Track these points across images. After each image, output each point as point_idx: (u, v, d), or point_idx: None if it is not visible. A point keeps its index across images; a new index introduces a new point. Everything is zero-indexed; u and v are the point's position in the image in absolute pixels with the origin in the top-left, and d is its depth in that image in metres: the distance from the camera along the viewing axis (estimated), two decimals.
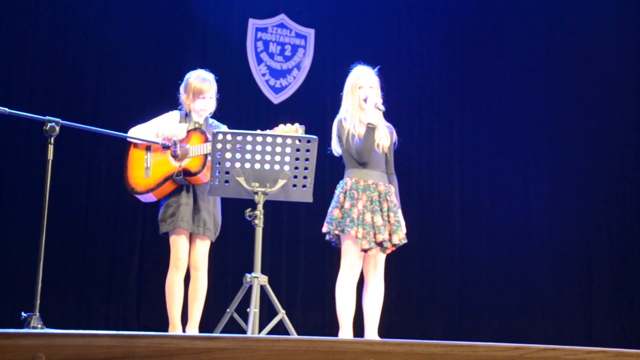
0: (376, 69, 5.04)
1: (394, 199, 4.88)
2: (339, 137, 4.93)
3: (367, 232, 4.73)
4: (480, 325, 7.92)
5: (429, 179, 8.15)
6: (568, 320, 7.99)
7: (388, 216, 4.81)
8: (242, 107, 7.65)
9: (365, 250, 4.75)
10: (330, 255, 7.45)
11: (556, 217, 8.13)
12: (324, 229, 4.87)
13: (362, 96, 4.90)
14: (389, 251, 4.83)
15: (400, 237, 4.81)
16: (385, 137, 4.92)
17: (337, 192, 4.89)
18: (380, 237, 4.73)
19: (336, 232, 4.80)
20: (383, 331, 5.00)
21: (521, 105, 8.30)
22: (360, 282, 4.90)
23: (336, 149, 4.98)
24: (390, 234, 4.79)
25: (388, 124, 5.04)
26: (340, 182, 4.91)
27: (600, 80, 8.32)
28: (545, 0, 8.41)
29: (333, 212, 4.84)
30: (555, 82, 8.34)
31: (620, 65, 8.33)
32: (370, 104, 4.86)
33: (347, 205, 4.79)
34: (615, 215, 8.16)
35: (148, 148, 5.01)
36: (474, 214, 8.15)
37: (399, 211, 4.89)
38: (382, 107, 4.86)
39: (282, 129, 4.68)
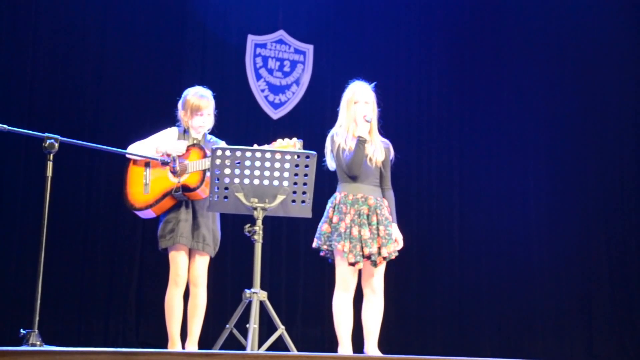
0: (372, 85, 5.06)
1: (386, 212, 4.88)
2: (332, 152, 4.95)
3: (354, 245, 4.74)
4: (481, 340, 7.90)
5: (428, 191, 8.15)
6: (568, 335, 7.96)
7: (378, 229, 4.81)
8: (241, 123, 7.66)
9: (352, 264, 4.75)
10: (330, 271, 7.38)
11: (555, 231, 8.13)
12: (314, 244, 4.90)
13: (357, 111, 4.93)
14: (379, 264, 4.82)
15: (389, 250, 4.80)
16: (379, 151, 4.93)
17: (327, 206, 4.91)
18: (367, 251, 4.74)
19: (325, 246, 4.82)
20: (383, 346, 4.99)
21: (520, 116, 8.31)
22: (360, 297, 4.90)
23: (330, 163, 4.99)
24: (380, 247, 4.79)
25: (384, 140, 5.05)
26: (331, 197, 4.93)
27: (599, 88, 8.32)
28: (542, 9, 8.42)
29: (322, 226, 4.87)
30: (554, 91, 8.34)
31: (620, 72, 8.32)
32: (359, 116, 4.89)
33: (335, 219, 4.81)
34: (614, 230, 8.15)
35: (147, 164, 5.02)
36: (473, 228, 8.14)
37: (393, 225, 4.88)
38: (368, 119, 4.88)
39: (280, 144, 4.70)
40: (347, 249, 4.73)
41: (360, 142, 4.83)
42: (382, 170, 4.96)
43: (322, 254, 4.90)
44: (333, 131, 5.00)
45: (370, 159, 4.89)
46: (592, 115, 8.31)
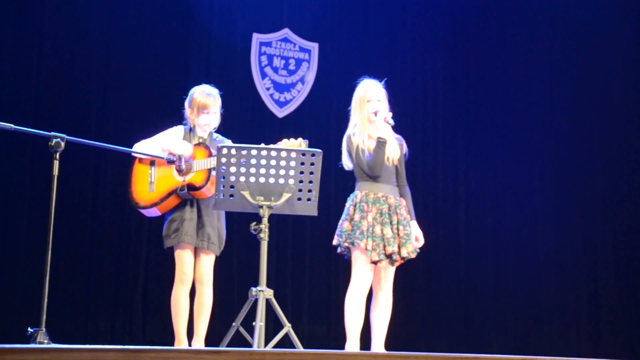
0: (383, 82, 5.05)
1: (404, 212, 4.87)
2: (349, 152, 4.93)
3: (377, 244, 4.73)
4: (487, 337, 7.90)
5: (434, 189, 8.15)
6: (575, 332, 7.96)
7: (397, 229, 4.80)
8: (246, 121, 7.66)
9: (374, 262, 4.75)
10: (336, 268, 7.45)
11: (562, 228, 8.12)
12: (334, 242, 4.87)
13: (371, 110, 4.91)
14: (397, 264, 4.83)
15: (408, 250, 4.80)
16: (395, 149, 4.93)
17: (347, 205, 4.89)
18: (389, 249, 4.73)
19: (346, 244, 4.80)
20: (389, 343, 4.99)
21: (525, 113, 8.30)
22: (368, 295, 4.89)
23: (347, 163, 4.98)
24: (399, 247, 4.78)
25: (397, 136, 5.04)
26: (351, 195, 4.91)
27: (604, 86, 8.31)
28: (547, 8, 8.41)
29: (343, 224, 4.84)
30: (559, 90, 8.33)
31: (624, 69, 8.31)
32: (380, 117, 4.87)
33: (356, 217, 4.79)
34: (621, 226, 8.13)
35: (152, 163, 5.03)
36: (479, 225, 8.13)
37: (411, 224, 4.88)
38: (392, 122, 4.87)
39: (286, 144, 4.69)
40: (370, 247, 4.71)
41: (381, 143, 4.82)
42: (398, 167, 4.96)
43: (339, 251, 4.89)
44: (349, 131, 4.98)
45: (388, 158, 4.88)
46: (597, 111, 8.29)
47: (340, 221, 4.87)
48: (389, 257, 4.77)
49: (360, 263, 4.78)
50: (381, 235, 4.75)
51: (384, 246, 4.74)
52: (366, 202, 4.81)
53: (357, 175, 4.94)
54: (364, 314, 4.84)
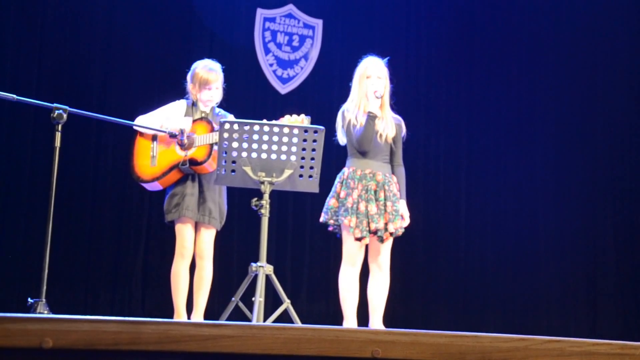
0: (386, 60, 5.03)
1: (394, 189, 4.86)
2: (342, 127, 4.94)
3: (360, 220, 4.73)
4: (485, 317, 7.92)
5: (435, 171, 8.14)
6: (573, 313, 7.99)
7: (385, 205, 4.79)
8: (249, 97, 7.65)
9: (358, 239, 4.75)
10: (336, 246, 7.41)
11: (561, 211, 8.13)
12: (321, 219, 4.90)
13: (370, 88, 4.89)
14: (385, 240, 4.82)
15: (396, 226, 4.79)
16: (390, 127, 4.91)
17: (335, 181, 4.91)
18: (373, 226, 4.73)
19: (331, 221, 4.82)
20: (388, 321, 5.01)
21: (528, 100, 8.28)
22: (367, 273, 4.91)
23: (341, 138, 4.98)
24: (387, 223, 4.78)
25: (396, 116, 5.03)
26: (340, 172, 4.92)
27: (607, 77, 8.29)
28: None
29: (329, 201, 4.86)
30: (562, 77, 8.31)
31: (628, 61, 8.29)
32: (370, 91, 4.86)
33: (342, 194, 4.80)
34: (620, 208, 8.14)
35: (154, 137, 5.02)
36: (479, 207, 8.14)
37: (401, 202, 4.87)
38: (378, 96, 4.85)
39: (288, 120, 4.69)
40: (354, 224, 4.72)
41: (371, 118, 4.81)
42: (393, 147, 4.94)
43: (330, 228, 4.90)
44: (344, 106, 4.98)
45: (381, 135, 4.87)
46: (599, 104, 8.28)
47: (328, 198, 4.89)
48: (375, 233, 4.76)
49: (348, 241, 4.80)
50: (365, 212, 4.74)
51: (368, 223, 4.73)
52: (352, 178, 4.81)
53: (349, 151, 4.94)
54: (358, 291, 4.86)
